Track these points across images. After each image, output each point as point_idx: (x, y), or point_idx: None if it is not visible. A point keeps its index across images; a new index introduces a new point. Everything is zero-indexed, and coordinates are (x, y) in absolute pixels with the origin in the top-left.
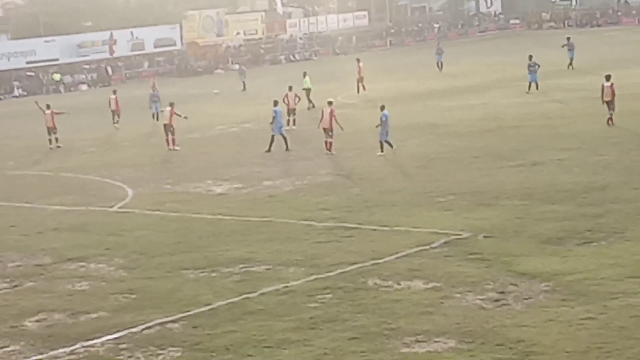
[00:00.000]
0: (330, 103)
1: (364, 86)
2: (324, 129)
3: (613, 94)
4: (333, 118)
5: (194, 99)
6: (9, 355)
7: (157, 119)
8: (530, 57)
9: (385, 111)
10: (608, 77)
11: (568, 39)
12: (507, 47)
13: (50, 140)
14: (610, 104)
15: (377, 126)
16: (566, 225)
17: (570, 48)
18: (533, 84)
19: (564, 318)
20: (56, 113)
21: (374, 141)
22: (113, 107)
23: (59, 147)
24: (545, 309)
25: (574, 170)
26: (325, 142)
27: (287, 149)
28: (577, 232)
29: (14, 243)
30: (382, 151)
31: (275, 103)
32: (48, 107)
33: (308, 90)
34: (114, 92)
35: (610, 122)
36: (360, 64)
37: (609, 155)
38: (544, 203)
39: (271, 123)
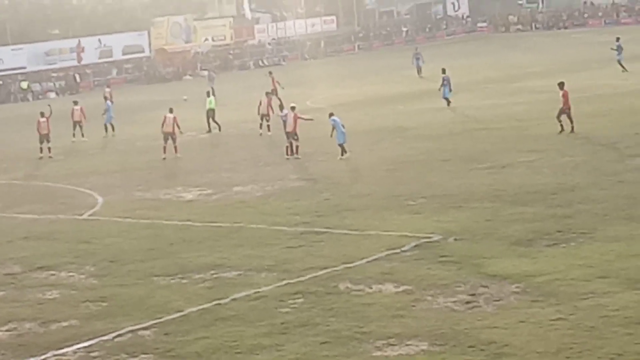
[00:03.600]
0: (293, 108)
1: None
2: (288, 133)
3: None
4: (297, 122)
5: (162, 106)
6: None
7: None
8: (444, 70)
9: (333, 117)
10: (562, 85)
11: (618, 39)
12: (474, 50)
13: (41, 148)
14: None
15: (331, 135)
16: (536, 227)
17: (619, 49)
18: (447, 100)
19: (535, 319)
20: (48, 117)
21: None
22: (77, 118)
23: (50, 157)
24: (515, 310)
25: (543, 172)
26: (287, 147)
27: (342, 155)
28: (547, 233)
29: None
30: (342, 155)
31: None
32: (42, 114)
33: (211, 111)
34: (76, 102)
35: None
36: (273, 76)
37: (578, 156)
38: (514, 205)
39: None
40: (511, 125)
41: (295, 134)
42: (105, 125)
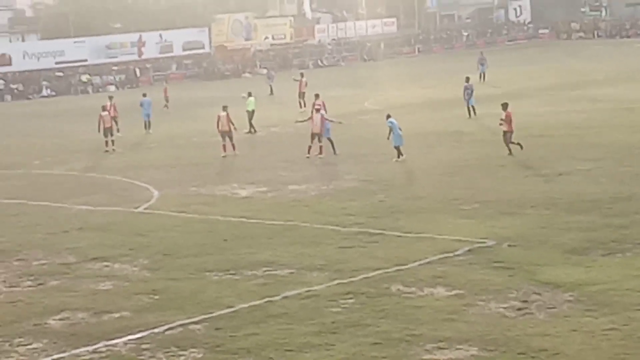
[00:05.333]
0: (318, 110)
1: (304, 102)
2: (313, 134)
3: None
4: (324, 124)
5: (221, 103)
6: (32, 352)
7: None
8: (467, 79)
9: (390, 119)
10: (505, 106)
11: None
12: (535, 57)
13: (106, 142)
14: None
15: (388, 137)
16: (591, 236)
17: None
18: (471, 109)
19: (587, 328)
20: (109, 110)
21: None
22: (112, 113)
23: (114, 149)
24: (568, 318)
25: (600, 181)
26: (309, 146)
27: (398, 157)
28: (602, 242)
29: (39, 241)
30: (398, 157)
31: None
32: (104, 108)
33: (251, 113)
34: (111, 98)
35: (510, 152)
36: (304, 79)
37: (636, 165)
38: (569, 213)
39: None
40: (569, 133)
41: (322, 136)
42: (146, 122)
